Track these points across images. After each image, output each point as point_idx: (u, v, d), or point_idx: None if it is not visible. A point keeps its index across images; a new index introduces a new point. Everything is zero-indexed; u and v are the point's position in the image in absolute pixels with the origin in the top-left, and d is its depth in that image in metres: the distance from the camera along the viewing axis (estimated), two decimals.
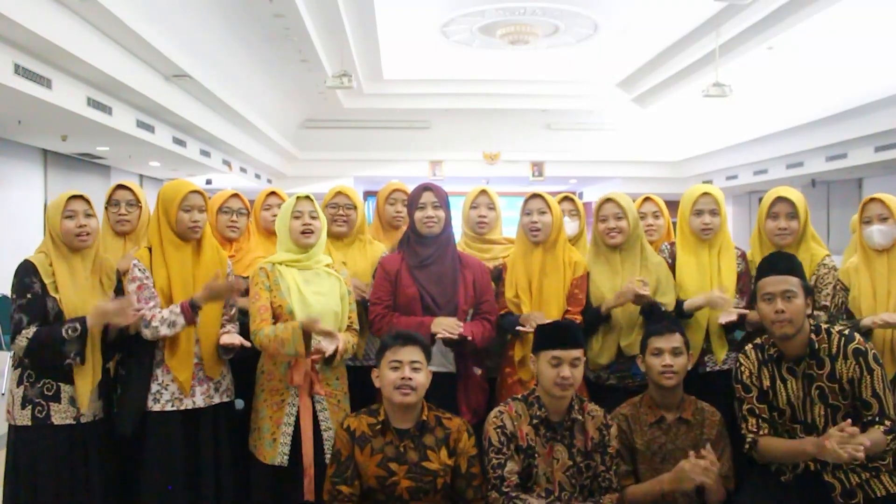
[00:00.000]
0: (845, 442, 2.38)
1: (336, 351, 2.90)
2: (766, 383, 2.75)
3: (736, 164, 13.14)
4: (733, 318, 3.07)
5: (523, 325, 3.08)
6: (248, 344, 3.01)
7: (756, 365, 2.77)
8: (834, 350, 2.67)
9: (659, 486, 2.75)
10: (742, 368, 2.80)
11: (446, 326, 3.03)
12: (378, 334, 3.14)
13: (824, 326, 2.74)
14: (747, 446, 2.74)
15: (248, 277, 3.23)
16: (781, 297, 2.65)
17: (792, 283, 2.67)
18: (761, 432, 2.73)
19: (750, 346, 2.84)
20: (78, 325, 2.78)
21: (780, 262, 2.76)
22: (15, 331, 2.79)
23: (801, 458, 2.65)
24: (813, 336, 2.70)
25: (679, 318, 3.20)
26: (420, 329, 3.00)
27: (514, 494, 2.66)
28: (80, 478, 2.88)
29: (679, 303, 3.23)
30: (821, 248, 3.31)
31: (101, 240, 3.05)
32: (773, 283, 2.68)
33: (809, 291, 2.72)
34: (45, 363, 2.82)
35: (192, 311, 2.92)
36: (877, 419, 2.60)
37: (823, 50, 8.98)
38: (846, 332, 2.72)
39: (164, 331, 2.91)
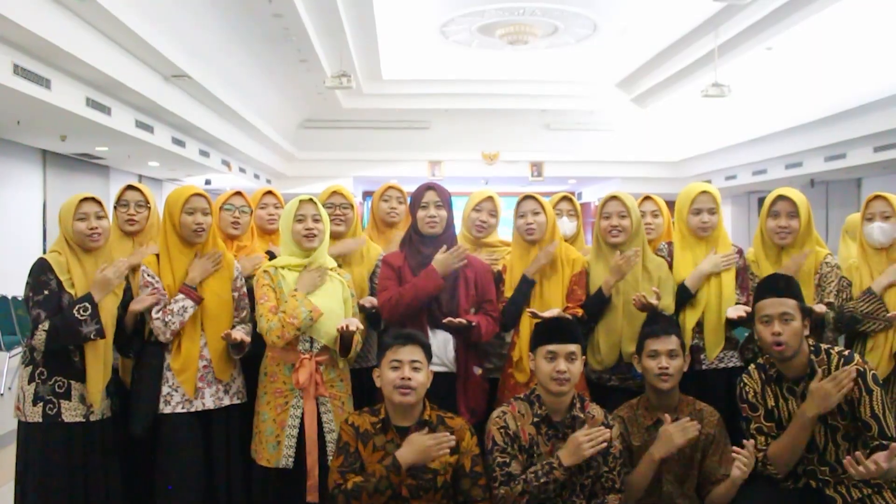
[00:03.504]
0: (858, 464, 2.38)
1: (352, 340, 2.95)
2: (771, 402, 2.75)
3: (735, 164, 13.15)
4: (741, 313, 3.07)
5: (533, 315, 3.09)
6: (248, 339, 3.03)
7: (760, 384, 2.77)
8: (833, 371, 2.66)
9: (650, 458, 2.78)
10: (747, 388, 2.80)
11: (447, 260, 3.09)
12: (390, 316, 3.15)
13: (824, 347, 2.73)
14: (761, 465, 2.72)
15: (250, 277, 3.24)
16: (779, 319, 2.65)
17: (789, 305, 2.66)
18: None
19: (753, 366, 2.84)
20: (87, 304, 2.86)
21: (779, 283, 2.75)
22: (34, 326, 2.85)
23: (805, 428, 2.62)
24: (812, 357, 2.69)
25: (685, 299, 3.23)
26: (428, 281, 3.07)
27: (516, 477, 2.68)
28: (90, 475, 2.92)
29: (680, 286, 3.25)
30: (822, 248, 3.32)
31: (110, 240, 3.10)
32: (771, 305, 2.68)
33: (807, 313, 2.72)
34: (68, 346, 2.88)
35: (193, 290, 3.00)
36: (879, 440, 2.57)
37: (822, 50, 8.99)
38: (845, 352, 2.72)
39: (178, 321, 2.97)
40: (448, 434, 2.62)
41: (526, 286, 3.24)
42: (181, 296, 2.99)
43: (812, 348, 2.71)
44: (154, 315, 2.97)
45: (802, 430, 2.62)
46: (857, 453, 2.41)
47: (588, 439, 2.63)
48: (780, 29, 8.53)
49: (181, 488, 2.95)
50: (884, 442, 2.54)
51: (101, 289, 2.91)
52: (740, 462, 2.61)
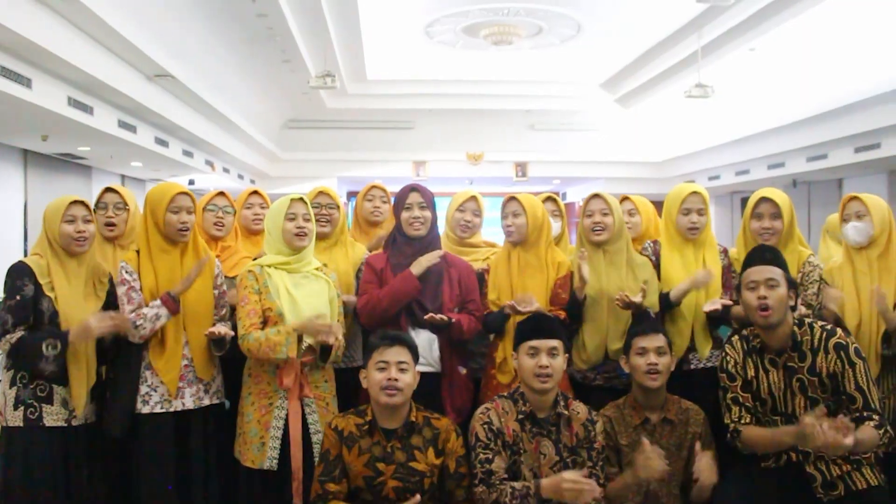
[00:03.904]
0: (835, 430, 2.37)
1: (332, 347, 2.92)
2: (751, 373, 2.79)
3: (718, 164, 13.21)
4: (717, 306, 3.12)
5: (512, 310, 3.08)
6: (231, 333, 3.01)
7: (741, 355, 2.81)
8: (815, 344, 2.71)
9: (623, 480, 2.78)
10: (728, 358, 2.84)
11: (426, 260, 3.08)
12: (367, 321, 3.15)
13: (807, 321, 2.78)
14: (730, 436, 2.77)
15: (234, 277, 3.23)
16: (764, 284, 2.71)
17: (775, 272, 2.72)
18: (743, 421, 2.77)
19: (736, 336, 2.89)
20: (58, 343, 2.78)
21: (765, 253, 2.82)
22: (1, 331, 2.80)
23: (781, 448, 2.68)
24: (796, 329, 2.73)
25: (667, 309, 3.23)
26: (404, 284, 3.06)
27: (498, 482, 2.66)
28: (73, 480, 2.88)
29: (664, 295, 3.25)
30: (805, 248, 3.36)
31: (96, 245, 3.06)
32: (757, 272, 2.74)
33: (793, 284, 2.77)
34: (25, 370, 2.85)
35: (173, 301, 2.93)
36: (863, 413, 2.62)
37: (805, 51, 9.05)
38: (828, 326, 2.76)
39: (149, 327, 2.91)
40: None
41: (502, 319, 3.21)
42: (158, 302, 2.93)
43: (796, 321, 2.76)
44: (127, 315, 2.92)
45: (780, 444, 2.66)
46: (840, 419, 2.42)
47: (573, 484, 2.53)
48: (763, 30, 8.58)
49: (159, 489, 2.92)
50: (866, 413, 2.60)
51: (81, 336, 2.82)
52: (702, 476, 2.65)
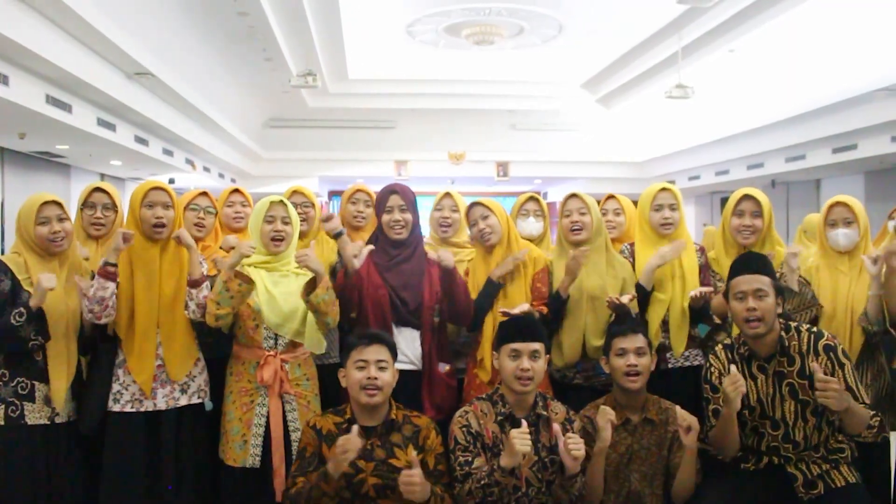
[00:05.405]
0: (823, 388, 2.53)
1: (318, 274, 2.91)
2: None
3: (698, 164, 13.31)
4: (703, 290, 3.13)
5: (504, 315, 3.09)
6: (192, 244, 3.02)
7: (725, 365, 2.82)
8: (804, 347, 2.75)
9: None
10: (712, 368, 2.85)
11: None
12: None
13: (793, 325, 2.82)
14: (701, 442, 2.80)
15: (215, 276, 3.21)
16: (753, 295, 2.72)
17: (763, 282, 2.73)
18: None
19: (720, 346, 2.90)
20: (23, 310, 2.75)
21: (752, 261, 2.83)
22: None
23: (731, 425, 2.69)
24: (783, 334, 2.76)
25: (644, 298, 3.25)
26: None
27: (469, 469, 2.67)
28: (55, 478, 2.85)
29: (637, 285, 3.26)
30: (783, 248, 3.39)
31: (74, 240, 3.01)
32: (746, 281, 2.75)
33: (780, 291, 2.79)
34: (14, 352, 2.80)
35: (105, 267, 2.84)
36: None
37: (784, 53, 9.14)
38: (814, 329, 2.80)
39: (97, 306, 2.82)
40: (356, 438, 2.53)
41: (492, 289, 3.24)
42: (97, 278, 2.84)
43: (783, 326, 2.78)
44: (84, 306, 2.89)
45: (728, 424, 2.70)
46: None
47: (520, 437, 2.54)
48: (742, 31, 8.66)
49: (124, 489, 2.90)
50: None
51: (37, 295, 2.76)
52: (682, 430, 2.70)
